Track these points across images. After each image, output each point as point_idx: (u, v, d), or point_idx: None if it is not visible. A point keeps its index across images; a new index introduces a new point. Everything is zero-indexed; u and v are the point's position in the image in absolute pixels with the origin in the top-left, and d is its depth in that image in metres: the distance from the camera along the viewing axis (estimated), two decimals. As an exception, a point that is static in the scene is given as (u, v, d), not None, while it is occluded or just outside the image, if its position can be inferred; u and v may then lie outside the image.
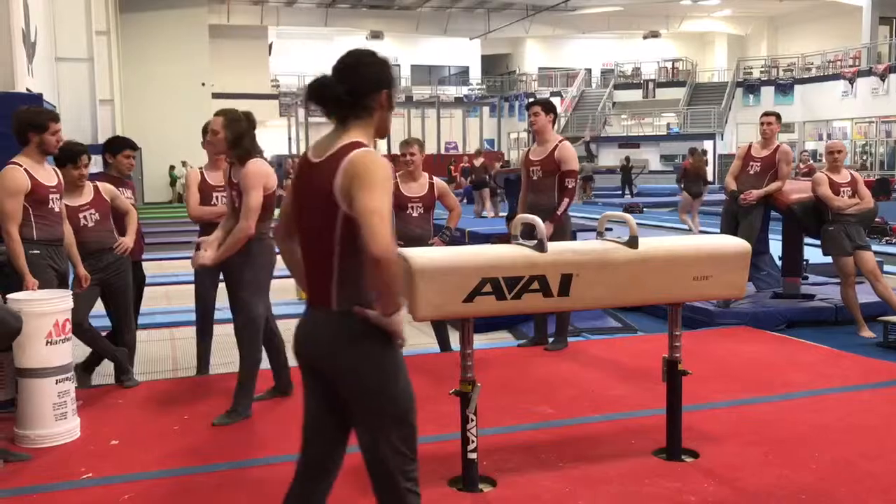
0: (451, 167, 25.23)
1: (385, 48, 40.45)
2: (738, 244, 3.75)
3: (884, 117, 29.46)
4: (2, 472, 3.65)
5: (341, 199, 2.22)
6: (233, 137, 4.32)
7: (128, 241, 4.99)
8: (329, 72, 2.38)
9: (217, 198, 5.08)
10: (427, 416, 4.29)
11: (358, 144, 2.28)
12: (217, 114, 4.52)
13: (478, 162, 19.28)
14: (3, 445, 3.89)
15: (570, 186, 5.63)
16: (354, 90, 2.33)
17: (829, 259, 6.81)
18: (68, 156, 4.76)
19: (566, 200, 5.62)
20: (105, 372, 5.22)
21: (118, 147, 5.40)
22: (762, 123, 7.12)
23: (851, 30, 32.51)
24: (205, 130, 4.89)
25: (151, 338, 6.67)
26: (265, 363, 4.65)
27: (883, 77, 28.65)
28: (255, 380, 4.48)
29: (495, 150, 33.28)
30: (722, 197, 8.12)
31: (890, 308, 6.37)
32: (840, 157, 6.74)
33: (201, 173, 5.13)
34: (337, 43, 40.01)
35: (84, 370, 5.08)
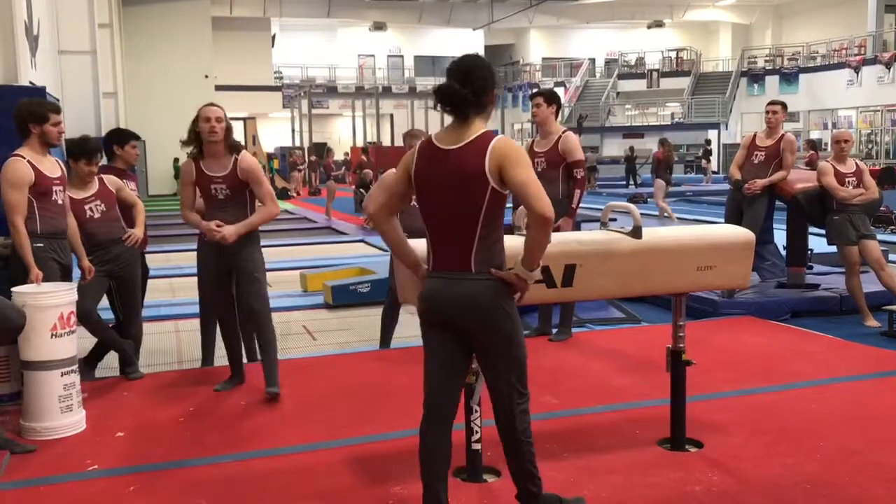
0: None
1: (388, 39, 40.57)
2: (742, 234, 3.74)
3: (889, 106, 29.34)
4: (8, 465, 3.66)
5: (491, 177, 2.68)
6: (227, 129, 4.52)
7: (138, 232, 5.00)
8: (450, 75, 2.79)
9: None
10: (431, 407, 4.30)
11: (490, 133, 2.75)
12: (211, 104, 4.57)
13: None
14: (9, 437, 3.90)
15: (579, 177, 5.60)
16: (476, 91, 2.76)
17: (833, 248, 6.80)
18: (84, 151, 4.75)
19: (578, 191, 5.58)
20: (110, 365, 5.23)
21: (125, 138, 5.42)
22: (767, 112, 7.10)
23: (857, 18, 32.35)
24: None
25: (156, 330, 6.68)
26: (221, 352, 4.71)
27: (888, 65, 28.51)
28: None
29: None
30: (726, 187, 8.09)
31: (895, 297, 6.36)
32: (847, 146, 6.72)
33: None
34: (339, 34, 40.02)
35: (87, 364, 5.09)
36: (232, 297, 4.74)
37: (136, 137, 5.52)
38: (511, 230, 3.65)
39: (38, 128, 4.36)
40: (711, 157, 29.37)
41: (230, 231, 4.46)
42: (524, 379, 2.92)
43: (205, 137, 4.46)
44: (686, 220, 14.72)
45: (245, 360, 5.01)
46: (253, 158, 4.60)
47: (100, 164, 4.90)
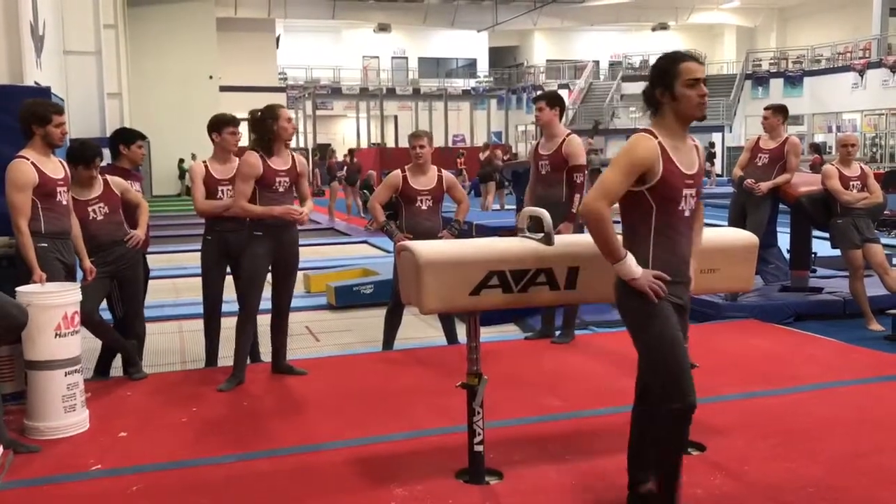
0: (459, 160, 25.20)
1: (392, 41, 40.60)
2: (745, 237, 3.73)
3: (894, 109, 29.27)
4: (12, 464, 3.67)
5: None
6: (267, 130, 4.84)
7: (140, 233, 5.01)
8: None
9: (223, 191, 5.10)
10: (434, 409, 4.32)
11: (643, 130, 2.87)
12: (282, 107, 4.97)
13: (483, 155, 19.30)
14: (13, 437, 3.91)
15: (579, 181, 5.59)
16: (645, 90, 2.91)
17: (837, 252, 6.78)
18: (82, 157, 4.75)
19: (578, 196, 5.57)
20: (113, 365, 5.24)
21: (132, 138, 5.41)
22: (762, 117, 7.17)
23: (861, 21, 32.29)
24: (215, 125, 5.14)
25: (160, 330, 6.69)
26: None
27: (893, 69, 28.45)
28: None
29: (502, 142, 33.20)
30: (730, 189, 8.09)
31: (899, 301, 6.34)
32: (853, 150, 6.71)
33: (206, 167, 5.16)
34: (344, 35, 40.06)
35: (99, 374, 5.09)
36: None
37: (143, 137, 5.53)
38: (512, 232, 3.65)
39: (40, 129, 4.37)
40: (716, 160, 29.31)
41: (307, 210, 4.92)
42: (657, 378, 2.89)
43: (286, 137, 4.80)
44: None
45: (248, 360, 5.04)
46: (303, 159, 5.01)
47: (100, 166, 4.89)
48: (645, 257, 2.84)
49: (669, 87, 2.81)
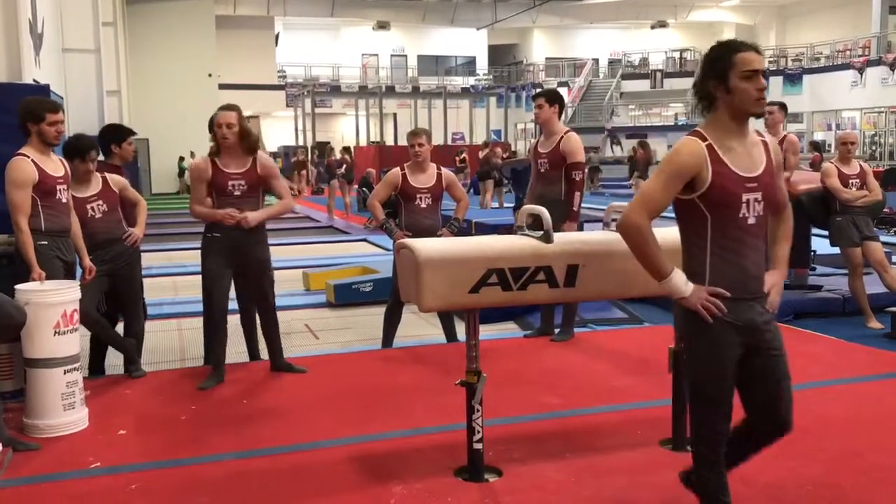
0: (457, 158, 25.20)
1: (391, 39, 40.55)
2: (745, 235, 3.72)
3: (893, 107, 29.24)
4: (11, 462, 3.67)
5: None
6: (245, 130, 4.69)
7: (138, 231, 5.01)
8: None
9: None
10: (433, 407, 4.32)
11: (692, 132, 2.60)
12: (226, 108, 4.76)
13: (482, 153, 19.30)
14: (12, 435, 3.91)
15: (577, 179, 5.58)
16: (696, 83, 2.66)
17: (836, 250, 6.79)
18: (76, 150, 4.76)
19: (577, 194, 5.57)
20: (113, 363, 5.24)
21: (122, 135, 5.39)
22: (765, 113, 7.10)
23: (861, 19, 32.27)
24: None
25: (159, 328, 6.69)
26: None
27: (893, 67, 28.44)
28: None
29: (502, 140, 33.21)
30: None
31: (898, 299, 6.35)
32: (853, 148, 6.72)
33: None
34: (343, 33, 40.03)
35: (94, 373, 5.08)
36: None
37: (133, 133, 5.51)
38: (511, 230, 3.65)
39: (35, 126, 4.36)
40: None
41: (254, 216, 4.68)
42: (699, 414, 2.68)
43: (221, 143, 4.66)
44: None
45: (248, 358, 5.05)
46: (268, 157, 4.86)
47: (95, 159, 4.88)
48: (701, 272, 2.57)
49: (723, 79, 2.54)
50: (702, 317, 2.52)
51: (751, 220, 2.55)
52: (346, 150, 20.96)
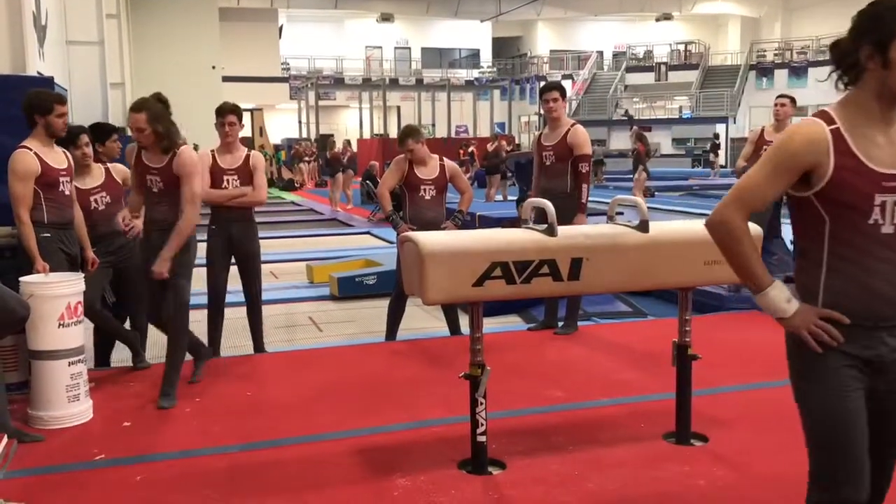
0: (462, 150, 25.18)
1: (395, 31, 40.48)
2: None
3: (899, 100, 29.13)
4: (16, 453, 3.68)
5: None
6: (158, 133, 4.26)
7: (139, 223, 5.01)
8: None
9: (228, 180, 5.11)
10: (437, 399, 4.33)
11: (818, 113, 2.06)
12: (135, 108, 4.31)
13: (491, 146, 19.26)
14: (17, 427, 3.92)
15: (584, 171, 5.58)
16: (841, 46, 2.08)
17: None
18: (68, 137, 4.69)
19: (585, 186, 5.57)
20: (119, 357, 5.25)
21: (106, 133, 5.25)
22: (776, 105, 7.06)
23: (866, 12, 32.09)
24: (223, 111, 5.10)
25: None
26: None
27: (898, 60, 28.30)
28: None
29: (506, 133, 33.16)
30: (734, 181, 8.05)
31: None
32: None
33: (213, 156, 5.17)
34: (347, 25, 39.96)
35: (99, 364, 5.09)
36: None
37: (117, 131, 5.52)
38: (515, 223, 3.64)
39: (42, 119, 4.38)
40: (720, 151, 29.25)
41: (159, 270, 4.27)
42: (818, 466, 2.12)
43: (138, 139, 4.40)
44: (693, 215, 14.69)
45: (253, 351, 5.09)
46: (190, 156, 4.37)
47: (89, 143, 4.85)
48: (814, 289, 2.04)
49: (883, 48, 1.93)
50: (807, 345, 2.02)
51: (886, 229, 1.97)
52: (346, 143, 21.00)
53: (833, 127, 2.00)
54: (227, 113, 5.14)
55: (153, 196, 4.42)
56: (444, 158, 5.67)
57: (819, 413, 2.07)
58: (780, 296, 2.04)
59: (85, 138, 4.82)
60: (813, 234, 2.04)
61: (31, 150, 4.35)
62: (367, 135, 32.83)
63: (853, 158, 1.96)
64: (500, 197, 18.35)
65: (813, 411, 2.10)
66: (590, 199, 5.77)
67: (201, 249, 5.34)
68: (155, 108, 4.30)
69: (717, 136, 30.36)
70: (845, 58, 2.06)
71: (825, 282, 2.03)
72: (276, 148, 29.16)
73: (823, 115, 2.04)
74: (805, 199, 2.02)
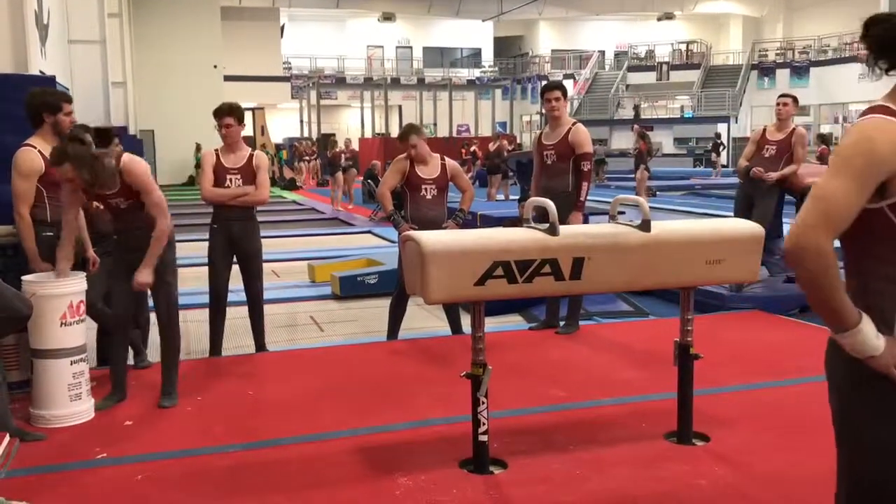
0: (463, 150, 25.17)
1: (397, 30, 40.47)
2: (751, 228, 3.72)
3: (901, 100, 29.10)
4: (18, 452, 3.68)
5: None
6: (91, 177, 3.99)
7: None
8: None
9: (231, 180, 5.11)
10: (438, 399, 4.33)
11: (876, 109, 1.73)
12: (56, 162, 3.97)
13: (493, 146, 19.26)
14: (18, 425, 3.92)
15: (586, 169, 5.59)
16: (873, 22, 1.77)
17: (843, 243, 6.75)
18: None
19: (585, 184, 5.58)
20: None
21: (108, 135, 5.22)
22: (778, 104, 7.07)
23: (868, 11, 30.66)
24: (220, 113, 5.09)
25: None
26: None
27: (900, 59, 28.27)
28: None
29: (507, 132, 33.15)
30: (735, 180, 8.05)
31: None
32: None
33: (217, 155, 5.17)
34: (348, 25, 39.96)
35: (101, 363, 5.09)
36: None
37: (118, 134, 5.53)
38: (516, 223, 3.64)
39: (51, 117, 4.38)
40: (722, 151, 29.22)
41: (144, 280, 4.16)
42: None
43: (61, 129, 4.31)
44: (695, 214, 14.67)
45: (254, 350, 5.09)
46: (136, 167, 4.17)
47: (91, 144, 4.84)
48: (887, 319, 1.73)
49: None
50: (894, 383, 1.70)
51: None
52: (347, 141, 21.03)
53: None
54: (223, 115, 5.15)
55: (122, 213, 4.25)
56: (446, 158, 5.67)
57: (890, 459, 1.73)
58: (871, 332, 1.71)
59: (88, 138, 4.82)
60: (885, 251, 1.71)
61: (35, 147, 4.35)
62: (368, 134, 32.83)
63: None
64: (501, 196, 18.34)
65: (882, 457, 1.75)
66: (592, 198, 5.77)
67: (203, 248, 5.37)
68: (75, 154, 3.94)
69: (718, 136, 30.32)
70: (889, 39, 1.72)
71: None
72: (278, 147, 29.15)
73: (887, 111, 1.71)
74: (876, 212, 1.69)
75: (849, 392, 1.80)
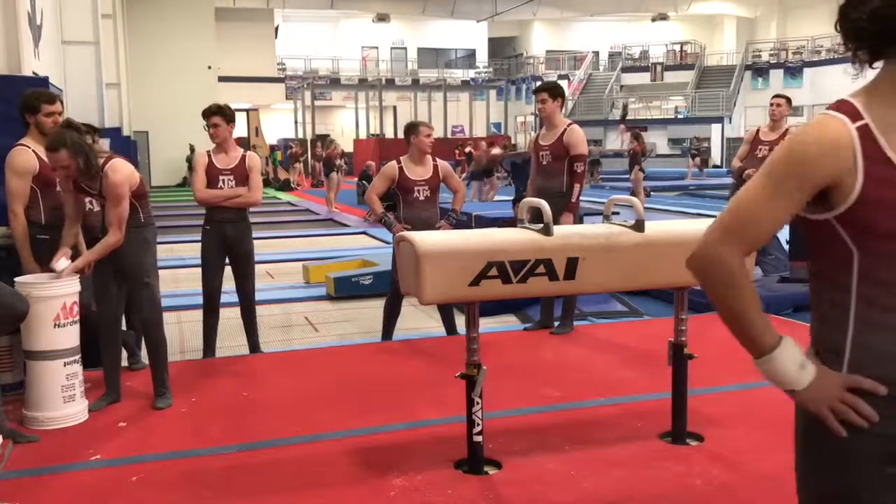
0: (458, 151, 25.18)
1: (391, 31, 40.49)
2: (745, 228, 3.72)
3: (894, 101, 29.19)
4: (11, 454, 3.67)
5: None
6: (84, 164, 3.97)
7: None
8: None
9: (223, 181, 5.11)
10: (433, 399, 4.33)
11: (833, 104, 1.52)
12: (52, 148, 3.94)
13: (485, 156, 19.29)
14: (12, 427, 3.91)
15: (579, 171, 5.61)
16: (878, 9, 1.48)
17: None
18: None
19: (577, 186, 5.60)
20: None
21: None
22: (772, 105, 7.11)
23: (862, 12, 32.15)
24: (207, 113, 5.11)
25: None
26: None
27: (893, 60, 28.37)
28: None
29: (501, 133, 33.17)
30: (729, 181, 8.07)
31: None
32: None
33: (209, 156, 5.18)
34: (343, 26, 39.95)
35: (94, 364, 5.09)
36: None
37: (97, 130, 5.58)
38: (510, 223, 3.65)
39: (32, 118, 4.41)
40: (707, 156, 28.93)
41: (58, 268, 4.10)
42: None
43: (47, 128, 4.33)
44: (689, 214, 14.71)
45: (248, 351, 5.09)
46: (115, 177, 4.05)
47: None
48: (839, 346, 1.48)
49: None
50: (829, 426, 1.48)
51: None
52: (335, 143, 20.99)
53: (860, 123, 1.43)
54: (210, 115, 5.15)
55: (92, 217, 4.35)
56: (437, 159, 5.67)
57: None
58: (790, 360, 1.49)
59: (83, 128, 4.82)
60: (835, 270, 1.46)
61: (28, 147, 4.37)
62: (363, 135, 32.83)
63: (890, 167, 1.39)
64: (484, 197, 18.41)
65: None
66: (586, 198, 5.79)
67: (196, 250, 5.36)
68: (72, 141, 3.94)
69: (698, 140, 29.66)
70: (871, 24, 1.51)
71: (853, 335, 1.45)
72: (272, 148, 29.13)
73: (845, 107, 1.49)
74: (823, 224, 1.46)
75: (801, 443, 1.62)
